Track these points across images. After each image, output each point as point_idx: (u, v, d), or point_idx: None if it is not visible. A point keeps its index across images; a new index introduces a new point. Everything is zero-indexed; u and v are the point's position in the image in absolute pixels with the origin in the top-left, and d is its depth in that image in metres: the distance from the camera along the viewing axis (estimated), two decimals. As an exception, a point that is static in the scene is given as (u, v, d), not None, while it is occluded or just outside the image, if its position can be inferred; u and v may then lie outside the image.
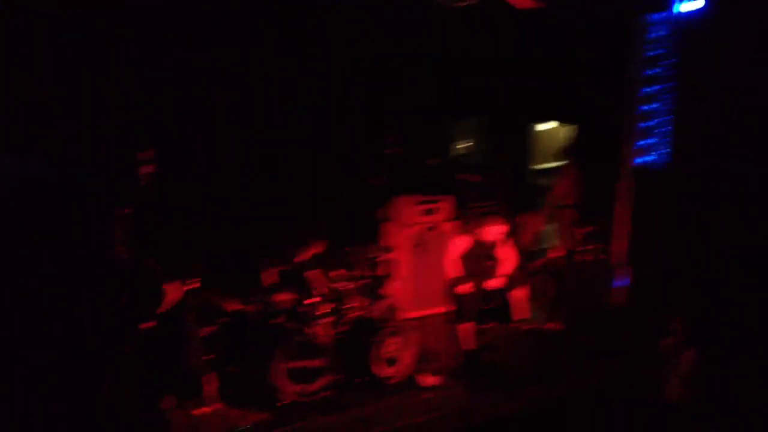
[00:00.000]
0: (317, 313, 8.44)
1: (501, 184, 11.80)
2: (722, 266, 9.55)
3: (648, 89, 10.38)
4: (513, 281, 9.52)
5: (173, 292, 7.78)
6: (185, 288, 7.88)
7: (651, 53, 10.38)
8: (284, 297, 8.50)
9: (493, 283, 9.36)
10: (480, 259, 9.39)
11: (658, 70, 10.21)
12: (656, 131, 10.27)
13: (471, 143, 13.06)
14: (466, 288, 9.25)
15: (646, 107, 10.32)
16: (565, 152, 12.35)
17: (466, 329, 9.35)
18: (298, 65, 11.01)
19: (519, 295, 9.59)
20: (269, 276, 8.57)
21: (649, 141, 10.27)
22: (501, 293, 9.49)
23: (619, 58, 10.60)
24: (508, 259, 9.45)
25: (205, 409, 7.63)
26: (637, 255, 10.21)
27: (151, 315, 7.59)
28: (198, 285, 7.97)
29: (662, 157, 10.26)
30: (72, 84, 9.53)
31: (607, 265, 10.17)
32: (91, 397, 7.56)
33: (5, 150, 9.31)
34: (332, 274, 8.83)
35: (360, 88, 11.40)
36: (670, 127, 10.17)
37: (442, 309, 10.40)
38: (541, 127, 13.21)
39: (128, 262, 8.04)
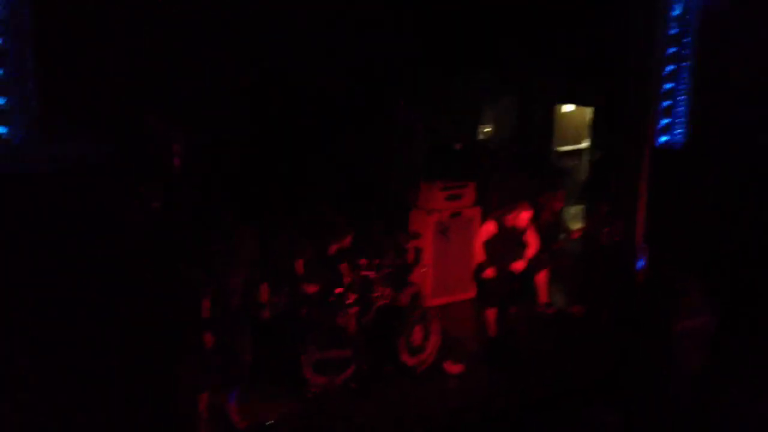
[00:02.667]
0: (344, 302, 8.54)
1: (525, 168, 11.86)
2: (740, 243, 9.60)
3: (668, 68, 10.35)
4: (536, 265, 9.60)
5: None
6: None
7: (673, 31, 10.33)
8: (312, 287, 8.59)
9: (516, 268, 9.44)
10: (504, 244, 9.45)
11: (675, 49, 10.17)
12: (674, 111, 10.27)
13: (495, 127, 13.13)
14: (490, 273, 9.34)
15: (665, 86, 10.30)
16: (586, 133, 12.43)
17: (491, 315, 9.47)
18: (329, 52, 11.14)
19: (542, 279, 9.68)
20: (297, 267, 8.67)
21: (667, 120, 10.26)
22: (525, 277, 9.57)
23: (641, 36, 10.57)
24: (531, 244, 9.52)
25: (235, 401, 7.68)
26: (656, 234, 10.24)
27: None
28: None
29: (680, 137, 10.26)
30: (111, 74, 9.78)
31: (629, 246, 10.21)
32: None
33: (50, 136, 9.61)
34: (358, 262, 8.90)
35: (385, 78, 11.51)
36: (687, 107, 10.15)
37: (467, 295, 10.57)
38: (564, 108, 13.23)
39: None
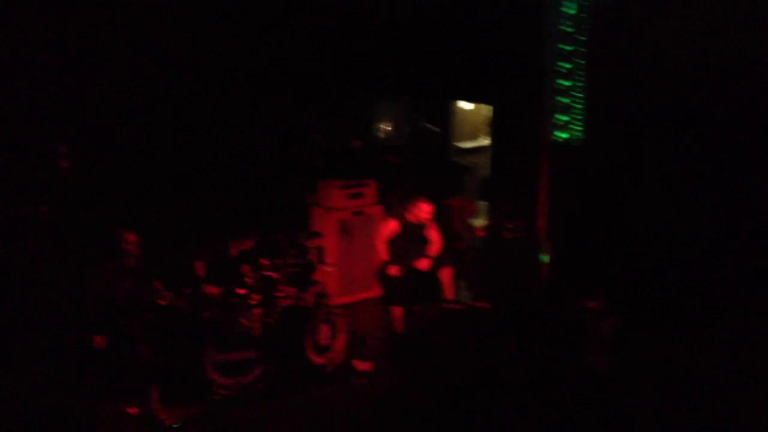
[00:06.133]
0: (248, 303, 8.39)
1: (425, 165, 11.90)
2: (639, 236, 9.84)
3: (563, 66, 10.53)
4: (440, 262, 9.61)
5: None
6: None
7: (566, 29, 10.52)
8: (214, 289, 8.41)
9: (421, 265, 9.43)
10: (407, 242, 9.45)
11: (571, 47, 10.35)
12: (571, 108, 10.44)
13: (393, 125, 13.12)
14: (394, 271, 9.31)
15: (561, 84, 10.46)
16: (487, 131, 12.53)
17: (397, 312, 9.44)
18: (217, 54, 10.92)
19: (447, 275, 9.69)
20: (199, 269, 8.49)
21: (565, 118, 10.44)
22: (429, 274, 9.57)
23: (535, 34, 10.73)
24: (434, 241, 9.54)
25: (138, 407, 7.52)
26: (557, 230, 10.41)
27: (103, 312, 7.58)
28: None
29: (578, 133, 10.45)
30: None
31: (531, 242, 10.35)
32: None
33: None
34: (261, 262, 8.76)
35: (282, 75, 11.36)
36: (583, 104, 10.35)
37: (372, 293, 10.50)
38: (462, 106, 13.32)
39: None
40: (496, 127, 12.16)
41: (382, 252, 9.46)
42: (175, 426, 7.35)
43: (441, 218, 9.76)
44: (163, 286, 8.01)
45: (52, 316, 8.18)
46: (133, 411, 7.47)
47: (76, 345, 7.71)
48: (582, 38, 10.42)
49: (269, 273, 8.74)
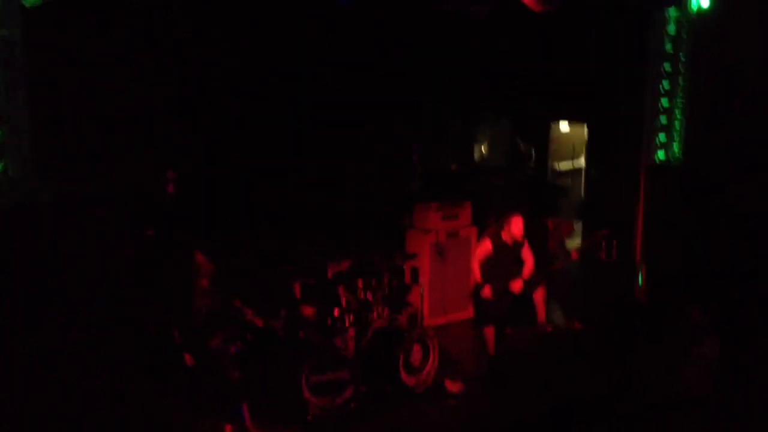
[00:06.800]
0: (341, 324, 8.49)
1: (522, 186, 11.86)
2: (738, 259, 9.57)
3: (662, 86, 10.38)
4: (533, 283, 9.56)
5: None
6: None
7: (665, 50, 10.38)
8: (309, 310, 8.57)
9: (514, 287, 9.40)
10: (501, 262, 9.42)
11: (670, 67, 10.21)
12: (670, 128, 10.29)
13: (490, 147, 13.14)
14: (487, 292, 9.31)
15: (660, 104, 10.31)
16: (583, 152, 12.44)
17: (490, 334, 9.42)
18: (321, 75, 11.14)
19: (539, 297, 9.64)
20: (294, 290, 8.65)
21: (664, 137, 10.28)
22: (522, 296, 9.53)
23: (635, 55, 10.60)
24: (527, 261, 9.50)
25: (233, 425, 7.66)
26: (653, 251, 10.23)
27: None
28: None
29: (677, 154, 10.27)
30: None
31: (626, 264, 10.20)
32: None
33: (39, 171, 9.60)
34: (357, 284, 8.83)
35: (380, 98, 11.51)
36: (683, 125, 10.17)
37: (465, 315, 10.51)
38: (561, 128, 13.25)
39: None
40: (591, 148, 12.06)
41: (477, 273, 9.46)
42: None
43: (536, 238, 9.70)
44: (242, 305, 8.18)
45: (150, 332, 8.46)
46: (228, 429, 7.64)
47: (174, 362, 7.97)
48: (682, 58, 10.26)
49: (364, 294, 8.84)
